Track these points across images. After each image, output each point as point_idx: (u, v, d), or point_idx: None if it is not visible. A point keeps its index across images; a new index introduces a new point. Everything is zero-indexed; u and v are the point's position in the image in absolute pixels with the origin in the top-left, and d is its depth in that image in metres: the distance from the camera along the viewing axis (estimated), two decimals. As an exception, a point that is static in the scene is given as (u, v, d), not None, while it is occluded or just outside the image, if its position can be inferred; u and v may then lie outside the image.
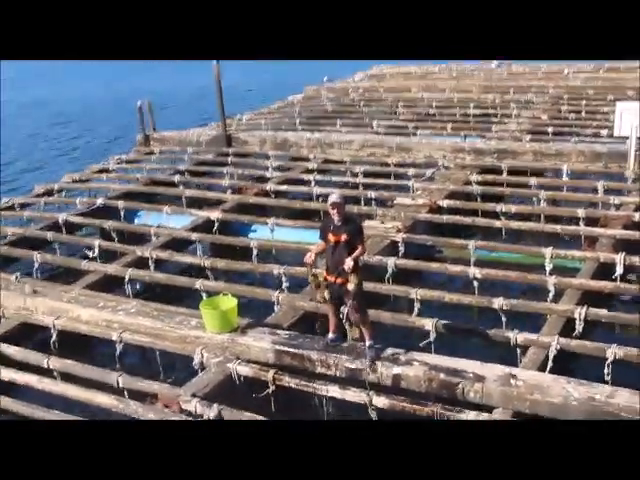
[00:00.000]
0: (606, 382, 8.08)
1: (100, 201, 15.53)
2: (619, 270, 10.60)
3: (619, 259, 10.67)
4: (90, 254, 13.08)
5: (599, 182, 14.21)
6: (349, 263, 7.98)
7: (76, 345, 10.16)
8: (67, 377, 9.05)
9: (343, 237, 8.10)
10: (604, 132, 17.44)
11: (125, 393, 8.61)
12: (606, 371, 8.28)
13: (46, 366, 9.21)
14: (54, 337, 10.10)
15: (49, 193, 16.71)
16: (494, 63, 28.64)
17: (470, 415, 7.45)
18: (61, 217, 14.60)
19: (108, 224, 14.23)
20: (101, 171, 18.29)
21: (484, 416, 7.49)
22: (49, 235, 13.90)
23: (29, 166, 23.45)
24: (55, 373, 9.16)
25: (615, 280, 10.48)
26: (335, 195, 8.22)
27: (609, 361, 8.30)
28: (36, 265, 12.78)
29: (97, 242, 13.34)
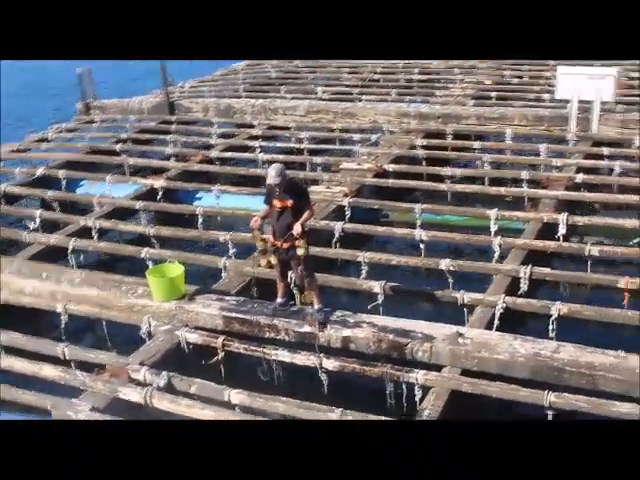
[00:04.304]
0: (551, 338, 8.26)
1: (40, 171, 15.14)
2: (562, 230, 10.78)
3: (562, 219, 10.86)
4: (31, 225, 12.77)
5: (541, 145, 14.41)
6: (298, 228, 7.97)
7: (20, 318, 9.94)
8: (11, 351, 8.85)
9: (289, 203, 8.09)
10: (546, 96, 17.62)
11: (72, 364, 8.47)
12: (551, 327, 8.45)
13: (-11, 339, 9.00)
14: (-4, 310, 9.88)
15: (-14, 164, 16.25)
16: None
17: (419, 374, 7.54)
18: (0, 188, 14.22)
19: (49, 194, 13.91)
20: (40, 140, 17.81)
21: (433, 374, 7.59)
22: (-13, 206, 13.53)
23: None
24: (-1, 347, 8.96)
25: (558, 239, 10.67)
26: (273, 174, 7.97)
27: (554, 317, 8.48)
28: (-25, 238, 12.44)
29: (38, 212, 13.02)
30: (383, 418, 6.78)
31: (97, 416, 7.25)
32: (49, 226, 12.85)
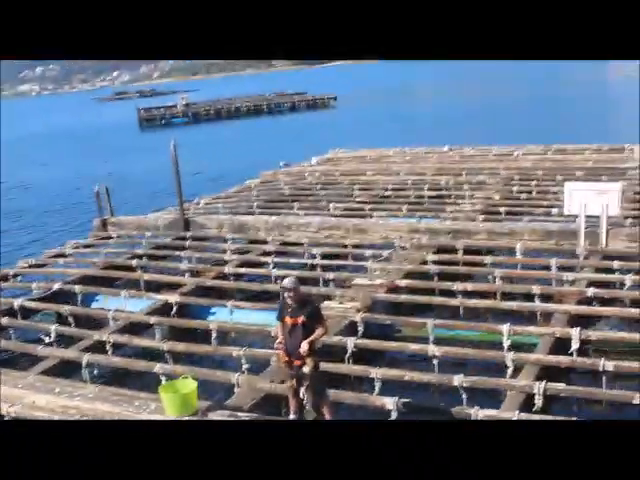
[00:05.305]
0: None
1: (56, 285, 15.37)
2: (575, 344, 10.77)
3: (574, 333, 10.86)
4: (46, 339, 12.87)
5: (552, 259, 14.53)
6: (304, 346, 8.10)
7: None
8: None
9: (300, 320, 8.21)
10: (554, 211, 17.91)
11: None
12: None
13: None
14: (8, 425, 9.84)
15: (4, 278, 16.50)
16: (446, 146, 29.39)
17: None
18: (16, 302, 14.41)
19: (65, 309, 14.07)
20: (57, 256, 18.17)
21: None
22: (4, 320, 13.68)
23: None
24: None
25: (571, 354, 10.65)
26: (288, 280, 8.34)
27: (569, 435, 8.36)
28: (-11, 352, 12.54)
29: (53, 327, 13.15)
30: (383, 418, 6.63)
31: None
32: (64, 340, 12.95)
